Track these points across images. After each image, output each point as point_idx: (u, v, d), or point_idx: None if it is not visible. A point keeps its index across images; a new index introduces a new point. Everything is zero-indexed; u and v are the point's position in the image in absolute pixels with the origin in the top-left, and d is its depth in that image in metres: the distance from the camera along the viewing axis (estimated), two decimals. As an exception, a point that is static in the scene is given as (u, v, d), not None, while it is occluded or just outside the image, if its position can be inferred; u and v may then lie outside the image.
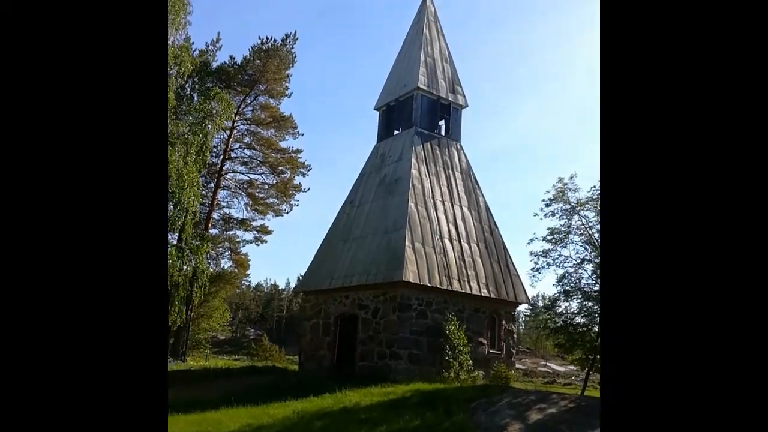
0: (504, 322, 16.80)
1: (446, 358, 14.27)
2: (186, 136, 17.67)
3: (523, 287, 17.22)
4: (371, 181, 18.56)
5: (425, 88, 18.67)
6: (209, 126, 17.77)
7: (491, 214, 18.16)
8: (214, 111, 18.12)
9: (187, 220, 17.66)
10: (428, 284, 14.84)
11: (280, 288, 69.44)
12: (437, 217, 16.44)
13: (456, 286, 15.44)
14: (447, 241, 16.14)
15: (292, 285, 68.58)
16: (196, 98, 19.56)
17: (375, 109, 20.44)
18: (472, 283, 15.89)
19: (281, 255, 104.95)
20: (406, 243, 15.00)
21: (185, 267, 18.37)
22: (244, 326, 54.03)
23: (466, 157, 19.07)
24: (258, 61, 23.87)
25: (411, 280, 14.47)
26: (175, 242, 18.65)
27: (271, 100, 25.76)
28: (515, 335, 17.65)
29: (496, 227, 17.98)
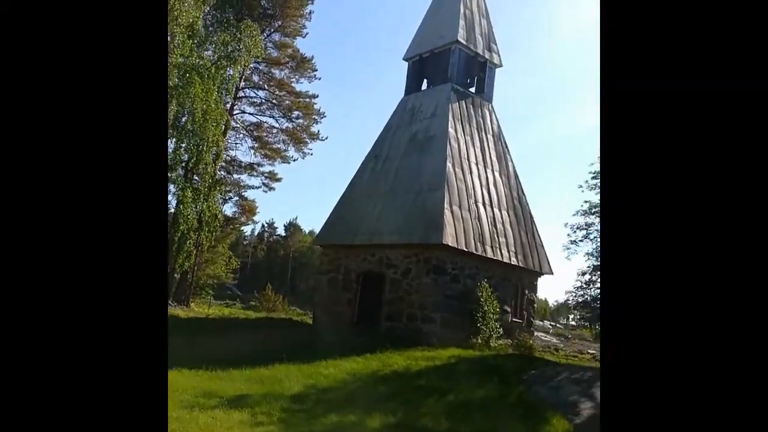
0: (527, 292, 16.82)
1: (478, 324, 14.19)
2: (209, 70, 16.44)
3: (547, 258, 17.20)
4: (400, 136, 17.86)
5: (464, 42, 17.83)
6: (235, 59, 16.54)
7: (519, 181, 17.88)
8: (241, 45, 16.84)
9: (207, 160, 16.69)
10: (464, 249, 14.56)
11: (278, 232, 68.59)
12: (472, 181, 16.04)
13: (489, 253, 15.24)
14: (481, 206, 15.82)
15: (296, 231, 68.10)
16: (210, 30, 18.08)
17: (404, 59, 19.47)
18: (503, 251, 15.72)
19: (288, 202, 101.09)
20: (445, 205, 14.59)
21: (198, 209, 17.47)
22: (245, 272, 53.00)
23: (497, 119, 18.56)
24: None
25: (450, 244, 14.15)
26: (191, 182, 17.64)
27: (288, 39, 24.22)
28: (535, 305, 17.77)
29: (524, 195, 17.75)
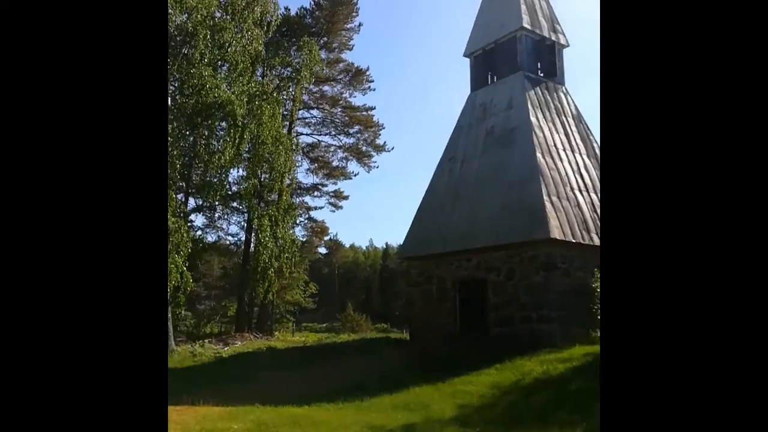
0: (639, 277, 15.71)
1: (598, 317, 13.18)
2: (272, 94, 16.10)
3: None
4: (474, 134, 17.10)
5: (529, 27, 17.02)
6: (298, 79, 16.17)
7: (609, 163, 16.83)
8: (302, 63, 16.46)
9: (281, 186, 16.31)
10: (571, 240, 13.63)
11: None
12: (564, 168, 15.12)
13: (596, 240, 14.24)
14: (578, 193, 14.87)
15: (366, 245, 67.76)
16: (269, 52, 17.80)
17: (465, 55, 18.76)
18: (609, 237, 14.70)
19: (360, 217, 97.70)
20: (544, 197, 13.72)
21: (277, 236, 17.07)
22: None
23: (574, 101, 17.61)
24: (320, 12, 21.87)
25: (557, 237, 13.25)
26: (264, 210, 17.29)
27: (335, 54, 23.86)
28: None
29: (616, 176, 16.69)
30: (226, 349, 17.91)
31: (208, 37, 13.39)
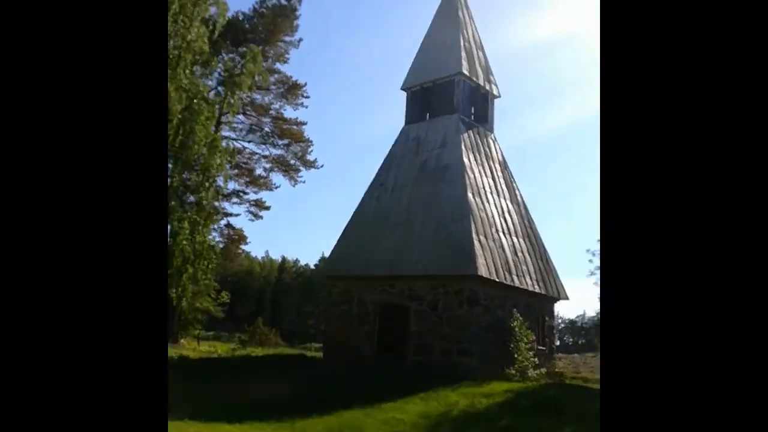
0: (547, 318, 16.79)
1: (515, 355, 13.91)
2: (210, 97, 15.53)
3: (561, 283, 17.32)
4: (407, 165, 17.56)
5: (467, 74, 17.98)
6: (240, 85, 15.72)
7: (528, 209, 18.02)
8: (246, 71, 16.04)
9: (210, 191, 15.61)
10: (495, 279, 14.34)
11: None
12: (491, 210, 15.96)
13: (516, 282, 15.11)
14: (502, 235, 15.73)
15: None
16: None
17: (403, 89, 19.34)
18: (525, 279, 15.65)
19: (275, 230, 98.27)
20: (473, 235, 14.36)
21: (196, 240, 16.21)
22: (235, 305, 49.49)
23: (500, 148, 18.73)
24: (260, 20, 21.45)
25: (483, 275, 13.88)
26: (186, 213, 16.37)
27: (277, 64, 23.41)
28: (554, 332, 17.76)
29: (533, 222, 17.88)
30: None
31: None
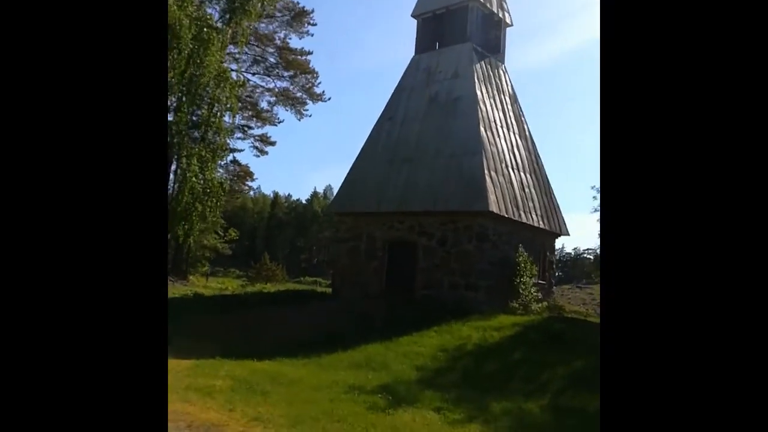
0: (548, 254, 17.20)
1: (519, 290, 14.37)
2: (217, 26, 14.93)
3: (564, 219, 17.59)
4: (416, 97, 17.24)
5: (481, 0, 17.28)
6: (250, 12, 15.06)
7: (535, 144, 17.96)
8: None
9: (220, 126, 15.37)
10: (504, 215, 14.54)
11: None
12: (501, 145, 15.89)
13: (523, 218, 15.33)
14: (511, 171, 15.77)
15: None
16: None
17: (413, 15, 18.62)
18: (531, 215, 15.87)
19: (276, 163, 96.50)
20: (485, 171, 14.40)
21: (205, 177, 16.17)
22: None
23: (511, 80, 18.37)
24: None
25: (495, 211, 14.05)
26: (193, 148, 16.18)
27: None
28: (555, 267, 18.23)
29: (539, 157, 17.88)
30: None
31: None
